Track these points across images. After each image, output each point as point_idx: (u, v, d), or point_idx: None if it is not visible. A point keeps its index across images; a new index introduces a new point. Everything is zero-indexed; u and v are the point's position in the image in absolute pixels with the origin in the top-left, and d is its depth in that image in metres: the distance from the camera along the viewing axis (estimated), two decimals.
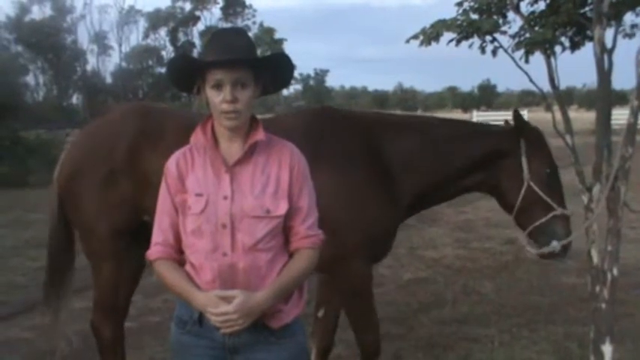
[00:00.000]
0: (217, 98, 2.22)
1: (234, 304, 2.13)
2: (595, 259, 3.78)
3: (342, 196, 3.56)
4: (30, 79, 28.51)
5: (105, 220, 3.64)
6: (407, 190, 3.79)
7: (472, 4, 3.88)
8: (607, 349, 3.74)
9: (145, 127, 3.69)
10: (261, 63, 2.29)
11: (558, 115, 3.96)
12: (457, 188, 4.00)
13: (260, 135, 2.30)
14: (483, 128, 4.15)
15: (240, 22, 38.85)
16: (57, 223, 3.87)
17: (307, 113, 4.24)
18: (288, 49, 42.33)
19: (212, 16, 38.48)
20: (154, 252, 2.36)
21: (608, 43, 3.67)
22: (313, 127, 3.77)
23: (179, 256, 2.35)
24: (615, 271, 3.69)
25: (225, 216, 2.24)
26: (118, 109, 4.31)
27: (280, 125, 3.61)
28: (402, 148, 3.82)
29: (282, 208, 2.28)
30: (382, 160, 3.77)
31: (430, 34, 3.78)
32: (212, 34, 2.36)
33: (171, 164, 2.36)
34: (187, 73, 2.31)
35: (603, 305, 3.73)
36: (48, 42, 26.33)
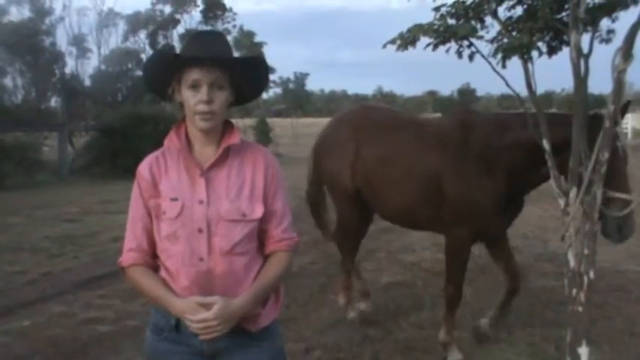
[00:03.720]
0: (194, 99, 2.21)
1: (214, 311, 2.10)
2: (572, 262, 3.80)
3: (459, 180, 4.59)
4: (8, 81, 28.14)
5: (344, 176, 5.35)
6: (506, 175, 4.49)
7: (449, 9, 3.90)
8: (583, 351, 3.77)
9: (358, 120, 5.46)
10: (239, 63, 2.29)
11: None
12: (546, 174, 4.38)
13: (235, 139, 2.30)
14: None
15: (220, 26, 38.64)
16: (312, 179, 5.88)
17: (457, 115, 5.05)
18: (268, 52, 42.25)
19: (192, 19, 38.25)
20: (127, 258, 2.32)
21: (585, 49, 3.70)
22: (457, 126, 4.77)
23: (153, 262, 2.32)
24: (592, 274, 3.72)
25: (201, 220, 2.22)
26: (355, 106, 6.20)
27: (436, 125, 5.10)
28: (507, 142, 4.47)
29: (258, 211, 2.28)
30: (490, 152, 4.52)
31: (407, 39, 3.80)
32: (191, 36, 2.33)
33: (143, 169, 2.32)
34: (164, 71, 2.26)
35: (580, 308, 3.76)
36: (26, 44, 26.01)
